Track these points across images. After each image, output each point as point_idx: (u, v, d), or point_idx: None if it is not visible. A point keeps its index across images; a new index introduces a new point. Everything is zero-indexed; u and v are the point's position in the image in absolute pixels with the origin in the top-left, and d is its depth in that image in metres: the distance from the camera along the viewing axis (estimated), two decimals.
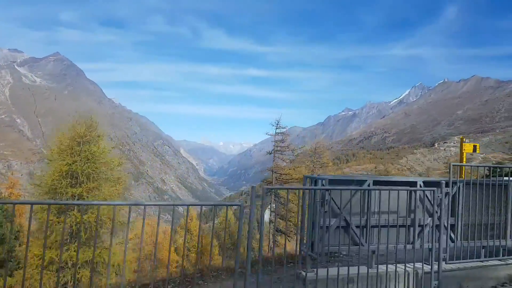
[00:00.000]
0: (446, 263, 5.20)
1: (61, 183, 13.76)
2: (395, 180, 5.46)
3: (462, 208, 5.51)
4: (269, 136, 22.18)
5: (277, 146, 21.46)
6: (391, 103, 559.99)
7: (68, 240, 14.16)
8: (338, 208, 4.80)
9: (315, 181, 4.92)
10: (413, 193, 5.14)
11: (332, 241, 4.78)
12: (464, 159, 10.25)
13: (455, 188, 5.48)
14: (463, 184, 5.49)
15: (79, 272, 13.37)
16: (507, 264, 5.69)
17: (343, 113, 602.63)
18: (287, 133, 21.67)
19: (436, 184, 5.21)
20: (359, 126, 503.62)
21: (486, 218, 5.67)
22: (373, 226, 4.99)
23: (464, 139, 11.01)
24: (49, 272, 13.23)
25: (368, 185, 4.97)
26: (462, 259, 5.46)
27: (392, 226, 4.98)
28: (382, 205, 4.97)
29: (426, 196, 5.20)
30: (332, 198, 4.76)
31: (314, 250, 4.67)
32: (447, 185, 5.18)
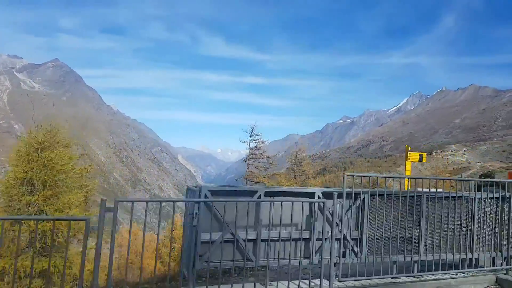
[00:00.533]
0: (339, 280, 4.87)
1: (17, 190, 13.47)
2: (291, 191, 5.15)
3: (367, 220, 5.21)
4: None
5: (251, 154, 21.14)
6: (389, 111, 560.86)
7: (26, 249, 13.81)
8: (224, 220, 4.50)
9: (199, 192, 4.62)
10: (312, 204, 4.86)
11: (219, 256, 4.48)
12: (409, 169, 9.92)
13: (359, 199, 5.19)
14: (368, 195, 5.20)
15: (32, 283, 13.00)
16: (420, 281, 5.37)
17: (341, 121, 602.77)
18: (261, 140, 21.39)
19: (338, 195, 4.92)
20: (357, 134, 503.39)
21: (398, 231, 5.36)
22: (265, 240, 4.69)
23: (410, 148, 10.70)
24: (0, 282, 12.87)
25: (259, 196, 4.68)
26: (368, 275, 5.13)
27: (287, 240, 4.69)
28: (276, 217, 4.67)
29: (323, 207, 4.90)
30: (217, 211, 4.47)
31: (195, 267, 4.36)
32: (340, 196, 4.88)
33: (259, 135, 20.80)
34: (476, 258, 5.95)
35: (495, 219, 5.97)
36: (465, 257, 5.75)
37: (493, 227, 5.97)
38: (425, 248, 5.51)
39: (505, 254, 5.98)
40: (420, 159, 10.43)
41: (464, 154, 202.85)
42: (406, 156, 10.06)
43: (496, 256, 6.00)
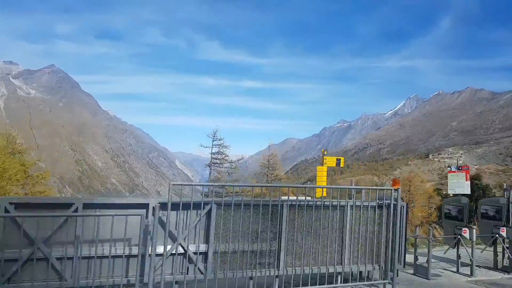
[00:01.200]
0: None
1: None
2: (118, 203, 4.71)
3: (214, 232, 4.79)
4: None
5: (214, 159, 20.71)
6: (386, 114, 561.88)
7: None
8: (29, 236, 4.09)
9: None
10: (147, 217, 4.45)
11: (27, 276, 4.07)
12: (324, 174, 9.47)
13: (206, 209, 4.78)
14: (218, 205, 4.79)
15: None
16: None
17: (339, 125, 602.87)
18: (225, 145, 20.96)
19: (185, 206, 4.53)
20: (354, 137, 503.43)
21: (253, 244, 4.94)
22: (88, 258, 4.27)
23: (326, 152, 10.26)
24: None
25: (76, 210, 4.27)
26: None
27: (116, 257, 4.27)
28: (105, 232, 4.27)
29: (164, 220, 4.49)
30: (20, 225, 4.06)
31: None
32: (164, 207, 4.47)
33: (221, 139, 20.42)
34: (353, 272, 5.51)
35: (373, 229, 5.54)
36: (334, 271, 5.31)
37: (369, 238, 5.53)
38: (285, 261, 5.08)
39: (382, 267, 5.54)
40: (338, 164, 9.97)
41: (461, 157, 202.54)
42: (322, 161, 9.60)
43: (373, 269, 5.56)
